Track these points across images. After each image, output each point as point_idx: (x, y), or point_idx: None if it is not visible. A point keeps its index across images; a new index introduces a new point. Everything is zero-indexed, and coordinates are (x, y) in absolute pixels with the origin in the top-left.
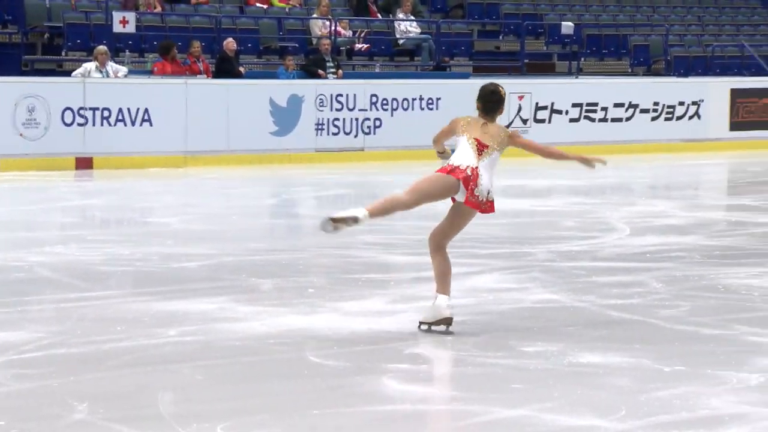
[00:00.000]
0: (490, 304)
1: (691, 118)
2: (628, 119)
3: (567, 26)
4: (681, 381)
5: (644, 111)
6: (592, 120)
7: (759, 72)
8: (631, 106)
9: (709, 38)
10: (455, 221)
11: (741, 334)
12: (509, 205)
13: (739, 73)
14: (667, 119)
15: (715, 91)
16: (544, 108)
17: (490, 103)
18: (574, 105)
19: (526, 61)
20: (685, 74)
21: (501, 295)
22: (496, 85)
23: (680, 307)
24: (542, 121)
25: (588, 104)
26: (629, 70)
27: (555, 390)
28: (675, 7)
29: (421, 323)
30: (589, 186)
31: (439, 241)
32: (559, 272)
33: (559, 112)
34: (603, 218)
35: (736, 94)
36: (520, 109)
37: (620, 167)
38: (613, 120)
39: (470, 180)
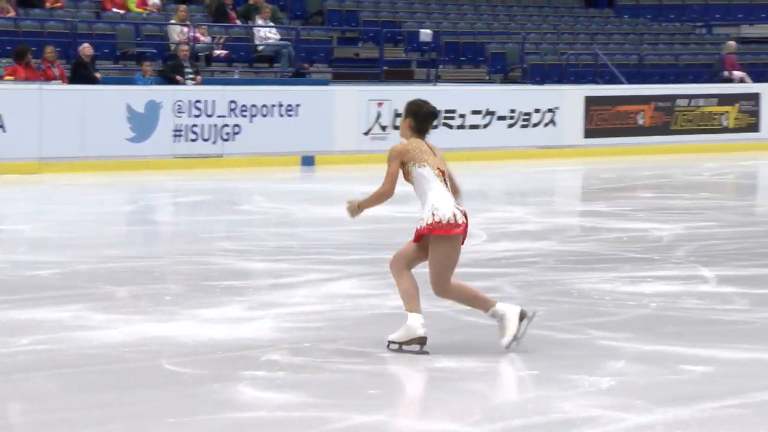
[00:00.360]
0: (348, 310)
1: (546, 125)
2: (485, 126)
3: (425, 34)
4: (534, 385)
5: (501, 118)
6: (450, 127)
7: (612, 80)
8: (488, 113)
9: (564, 47)
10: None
11: (593, 339)
12: (367, 211)
13: (593, 81)
14: (523, 126)
15: (569, 99)
16: None
17: (427, 124)
18: None
19: (385, 68)
20: (541, 82)
21: (359, 301)
22: (432, 105)
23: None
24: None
25: (446, 111)
26: (486, 78)
27: (411, 395)
28: (531, 16)
29: (390, 342)
30: None
31: (408, 265)
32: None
33: None
34: None
35: (590, 101)
36: (379, 116)
37: (477, 174)
38: (471, 127)
39: (467, 226)
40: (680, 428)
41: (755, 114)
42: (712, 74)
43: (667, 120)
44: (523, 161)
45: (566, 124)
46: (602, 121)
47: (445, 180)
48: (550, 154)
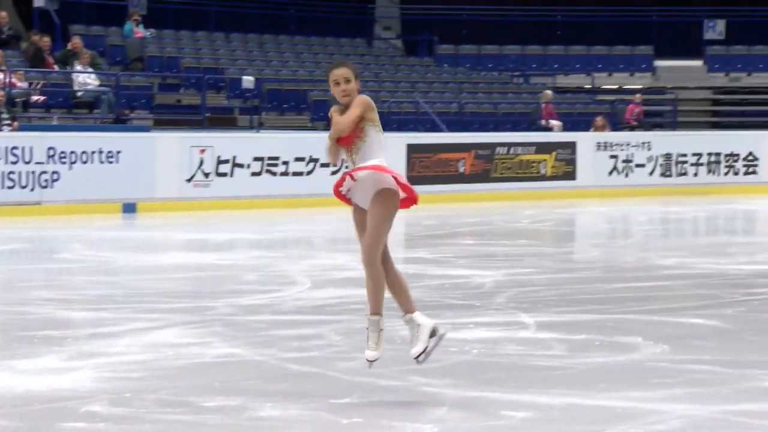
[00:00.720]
0: (170, 359)
1: None
2: (309, 173)
3: (248, 80)
4: None
5: (324, 165)
6: (274, 174)
7: (433, 128)
8: (311, 160)
9: (386, 94)
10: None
11: (416, 385)
12: (191, 259)
13: (415, 129)
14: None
15: (391, 146)
16: (226, 162)
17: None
18: (256, 159)
19: (208, 114)
20: None
21: (181, 350)
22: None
23: (359, 359)
24: (224, 174)
25: (269, 158)
26: (309, 125)
27: None
28: (353, 64)
29: (418, 356)
30: (271, 239)
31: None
32: (240, 326)
33: (241, 165)
34: (284, 271)
35: (411, 149)
36: (201, 162)
37: (301, 221)
38: (295, 174)
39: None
40: None
41: (572, 162)
42: (531, 123)
43: (487, 168)
44: (346, 208)
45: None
46: (424, 169)
47: (349, 149)
48: None
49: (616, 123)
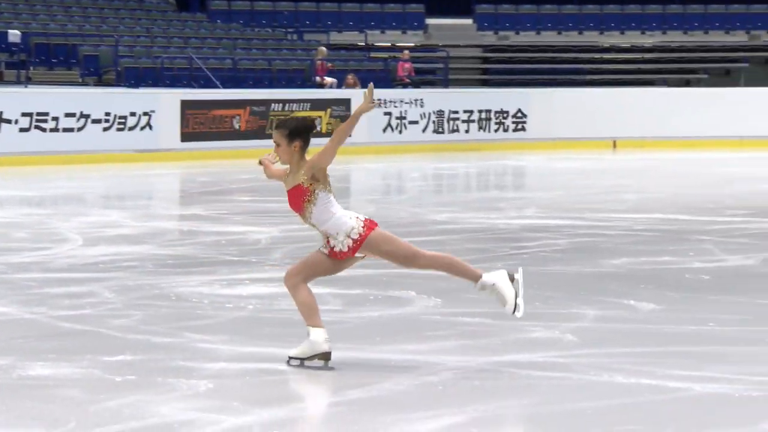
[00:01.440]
0: None
1: (143, 128)
2: (79, 129)
3: (14, 34)
4: (131, 390)
5: (96, 121)
6: (44, 130)
7: (207, 84)
8: (82, 116)
9: (159, 50)
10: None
11: (191, 342)
12: None
13: (189, 85)
14: (119, 129)
15: (165, 102)
16: None
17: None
18: (24, 114)
19: None
20: (136, 85)
21: None
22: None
23: (132, 317)
24: None
25: (38, 114)
26: (80, 80)
27: (2, 404)
28: (124, 18)
29: (291, 358)
30: (41, 197)
31: (306, 278)
32: (9, 284)
33: (9, 121)
34: (55, 229)
35: (186, 105)
36: None
37: (73, 178)
38: (65, 130)
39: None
40: (276, 428)
41: (346, 118)
42: (305, 79)
43: (262, 124)
44: (119, 165)
45: (162, 128)
46: (198, 125)
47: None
48: (147, 158)
49: (390, 80)
